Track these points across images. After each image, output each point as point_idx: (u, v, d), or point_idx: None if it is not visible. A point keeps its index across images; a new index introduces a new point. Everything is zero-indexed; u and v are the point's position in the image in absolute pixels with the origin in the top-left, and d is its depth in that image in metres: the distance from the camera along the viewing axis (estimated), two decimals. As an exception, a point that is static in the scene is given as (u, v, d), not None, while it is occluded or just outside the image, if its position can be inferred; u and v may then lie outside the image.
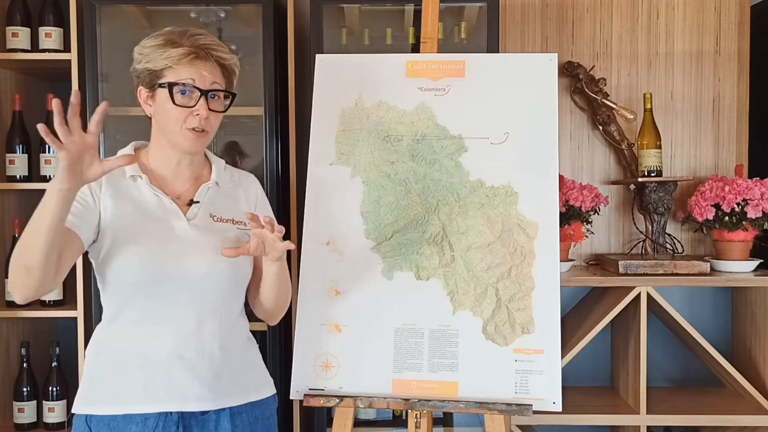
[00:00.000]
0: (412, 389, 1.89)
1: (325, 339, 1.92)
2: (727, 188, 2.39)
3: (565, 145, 2.75)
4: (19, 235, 2.55)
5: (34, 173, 2.57)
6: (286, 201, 2.54)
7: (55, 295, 2.52)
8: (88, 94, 2.39)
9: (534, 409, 1.84)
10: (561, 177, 2.40)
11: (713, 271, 2.43)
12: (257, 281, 1.67)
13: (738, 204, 2.36)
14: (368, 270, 1.94)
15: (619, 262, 2.38)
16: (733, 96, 2.72)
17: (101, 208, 1.52)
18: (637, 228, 2.72)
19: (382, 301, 1.93)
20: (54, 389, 2.54)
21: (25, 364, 2.55)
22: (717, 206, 2.40)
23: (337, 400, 1.87)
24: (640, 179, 2.53)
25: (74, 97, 1.26)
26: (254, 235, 1.51)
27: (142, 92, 1.56)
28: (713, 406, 2.45)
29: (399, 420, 2.65)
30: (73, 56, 2.43)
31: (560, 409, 1.86)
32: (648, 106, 2.56)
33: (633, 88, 2.73)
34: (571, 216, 2.44)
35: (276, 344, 2.40)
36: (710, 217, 2.40)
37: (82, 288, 2.45)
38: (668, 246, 2.59)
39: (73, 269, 2.46)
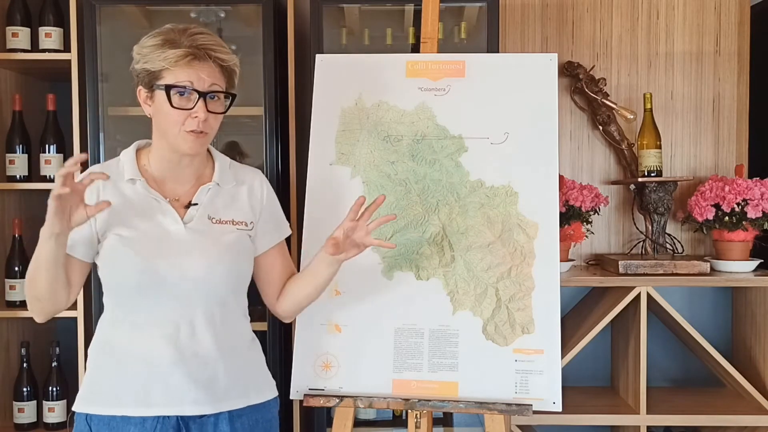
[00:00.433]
0: (412, 389, 1.89)
1: (325, 339, 1.92)
2: (727, 188, 2.39)
3: (565, 145, 2.75)
4: (19, 234, 2.57)
5: (34, 173, 2.57)
6: (286, 201, 2.53)
7: (55, 295, 2.52)
8: (88, 94, 2.39)
9: (534, 409, 1.84)
10: (561, 177, 2.40)
11: (713, 271, 2.43)
12: (275, 280, 1.69)
13: (738, 204, 2.36)
14: (368, 270, 1.94)
15: (619, 262, 2.38)
16: (733, 96, 2.72)
17: (98, 225, 1.53)
18: (637, 228, 2.72)
19: (382, 301, 1.94)
20: (54, 389, 2.54)
21: (25, 364, 2.55)
22: (717, 206, 2.40)
23: (337, 400, 1.87)
24: (640, 179, 2.53)
25: (78, 159, 1.33)
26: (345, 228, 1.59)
27: (142, 92, 1.55)
28: (713, 406, 2.44)
29: (399, 420, 2.65)
30: (73, 56, 2.43)
31: (560, 409, 1.86)
32: (648, 106, 2.56)
33: (633, 88, 2.73)
34: (571, 216, 2.44)
35: (276, 344, 2.40)
36: (710, 217, 2.40)
37: (82, 288, 2.44)
38: (668, 246, 2.59)
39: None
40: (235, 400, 1.56)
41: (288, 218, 2.52)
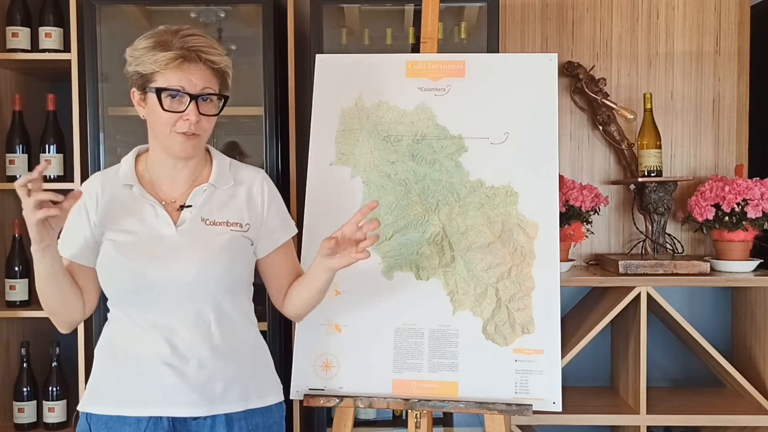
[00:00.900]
0: (412, 389, 1.89)
1: (325, 339, 1.92)
2: (727, 188, 2.39)
3: (565, 145, 2.75)
4: (19, 234, 2.57)
5: (34, 173, 2.57)
6: (286, 201, 2.53)
7: (55, 295, 2.52)
8: (88, 94, 2.39)
9: (534, 409, 1.84)
10: (561, 177, 2.40)
11: (713, 271, 2.43)
12: (281, 281, 1.69)
13: (738, 204, 2.36)
14: (368, 270, 1.94)
15: (619, 262, 2.38)
16: (733, 96, 2.72)
17: (96, 225, 1.55)
18: (637, 228, 2.72)
19: (382, 301, 1.94)
20: (54, 389, 2.54)
21: (25, 364, 2.55)
22: (717, 206, 2.40)
23: (337, 400, 1.87)
24: (640, 179, 2.53)
25: (41, 169, 1.41)
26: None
27: (135, 94, 1.55)
28: (713, 406, 2.44)
29: (399, 420, 2.65)
30: (73, 56, 2.43)
31: (560, 409, 1.86)
32: (648, 106, 2.56)
33: (633, 88, 2.73)
34: (571, 216, 2.44)
35: (276, 344, 2.40)
36: (710, 217, 2.40)
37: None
38: (668, 246, 2.59)
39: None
40: (232, 404, 1.55)
41: (288, 218, 2.53)
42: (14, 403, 2.54)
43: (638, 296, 2.32)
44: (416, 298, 1.93)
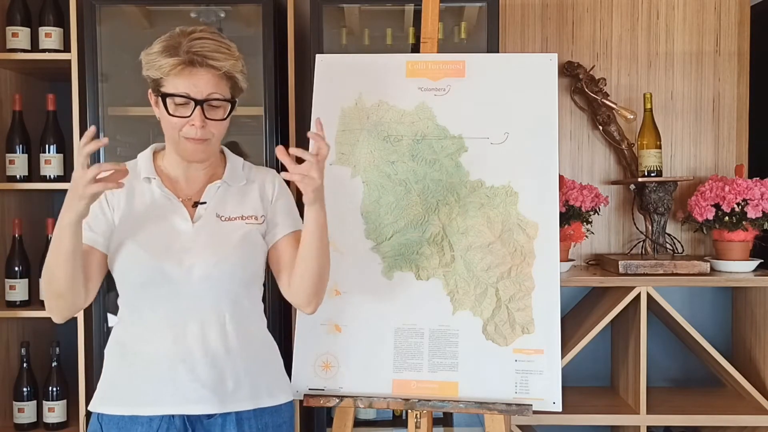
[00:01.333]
0: (412, 389, 1.89)
1: (325, 339, 1.92)
2: (727, 188, 2.39)
3: (565, 145, 2.75)
4: (20, 234, 2.57)
5: (34, 173, 2.57)
6: (286, 201, 2.53)
7: (55, 295, 2.52)
8: (88, 94, 2.39)
9: (534, 409, 1.84)
10: (561, 177, 2.40)
11: (713, 271, 2.43)
12: (288, 269, 1.62)
13: (738, 204, 2.36)
14: (368, 270, 1.94)
15: (619, 262, 2.38)
16: (733, 96, 2.72)
17: (114, 214, 1.57)
18: (637, 228, 2.72)
19: (382, 301, 1.94)
20: (54, 389, 2.54)
21: (25, 364, 2.55)
22: (717, 206, 2.40)
23: (337, 400, 1.87)
24: (640, 179, 2.53)
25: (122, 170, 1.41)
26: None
27: (151, 96, 1.56)
28: (713, 406, 2.44)
29: (399, 420, 2.65)
30: (73, 56, 2.43)
31: (560, 409, 1.86)
32: (648, 106, 2.56)
33: (633, 88, 2.73)
34: (571, 216, 2.44)
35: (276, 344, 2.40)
36: (710, 217, 2.40)
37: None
38: (668, 246, 2.59)
39: (73, 269, 2.46)
40: (243, 402, 1.56)
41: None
42: (14, 403, 2.54)
43: (638, 296, 2.32)
44: (416, 298, 1.93)
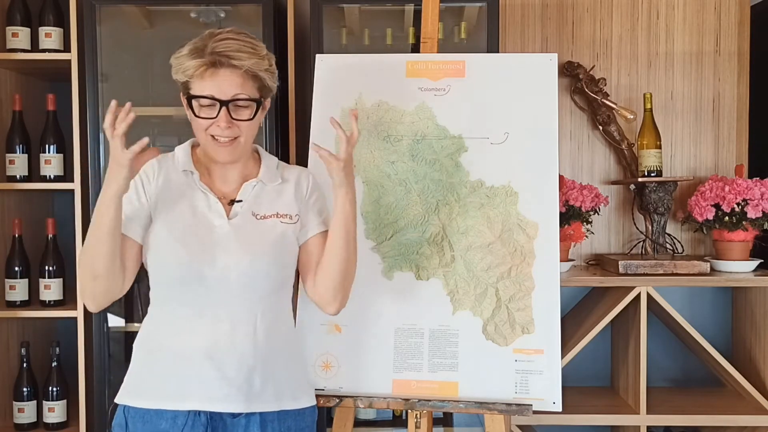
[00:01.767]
0: (412, 389, 1.89)
1: (325, 339, 1.92)
2: (727, 188, 2.39)
3: (565, 145, 2.75)
4: (19, 234, 2.56)
5: (34, 173, 2.57)
6: (286, 201, 2.53)
7: (55, 295, 2.52)
8: (88, 94, 2.39)
9: (534, 409, 1.84)
10: (561, 177, 2.40)
11: (713, 271, 2.43)
12: (313, 267, 1.65)
13: (738, 204, 2.36)
14: (368, 270, 1.94)
15: (619, 262, 2.38)
16: (733, 96, 2.72)
17: (150, 204, 1.57)
18: (637, 228, 2.72)
19: (382, 301, 1.93)
20: (54, 389, 2.54)
21: (25, 364, 2.55)
22: (717, 206, 2.40)
23: (337, 400, 1.87)
24: (640, 179, 2.53)
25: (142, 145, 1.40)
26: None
27: (183, 98, 1.58)
28: (713, 406, 2.44)
29: (399, 420, 2.65)
30: (73, 56, 2.43)
31: (560, 409, 1.86)
32: (648, 106, 2.56)
33: (633, 88, 2.73)
34: (571, 216, 2.44)
35: (276, 344, 2.40)
36: (710, 217, 2.40)
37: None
38: (668, 246, 2.59)
39: (73, 269, 2.46)
40: (268, 403, 1.56)
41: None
42: (14, 403, 2.54)
43: (638, 296, 2.32)
44: (416, 298, 1.93)
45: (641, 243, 2.67)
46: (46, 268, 2.52)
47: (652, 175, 2.52)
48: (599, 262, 2.68)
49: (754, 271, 2.43)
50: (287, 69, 2.46)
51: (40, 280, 2.53)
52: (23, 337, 2.63)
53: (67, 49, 2.48)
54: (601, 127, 2.68)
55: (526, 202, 1.95)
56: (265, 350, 1.57)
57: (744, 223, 2.37)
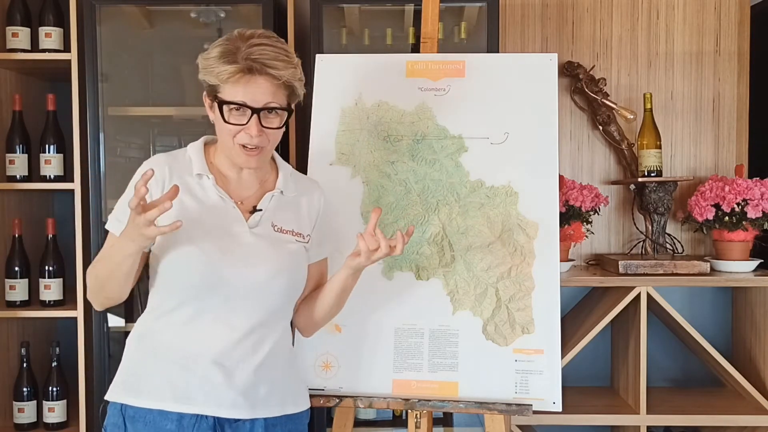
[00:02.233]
0: (412, 389, 1.89)
1: (325, 339, 1.92)
2: (727, 188, 2.39)
3: (565, 145, 2.75)
4: (19, 234, 2.56)
5: (34, 173, 2.57)
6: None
7: (55, 295, 2.52)
8: (88, 94, 2.39)
9: (534, 409, 1.84)
10: (561, 177, 2.40)
11: (713, 271, 2.43)
12: (305, 289, 1.67)
13: (738, 204, 2.36)
14: (368, 270, 1.93)
15: (619, 262, 2.38)
16: (733, 96, 2.72)
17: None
18: (637, 228, 2.72)
19: (382, 301, 1.93)
20: (54, 389, 2.54)
21: (25, 364, 2.55)
22: (717, 206, 2.40)
23: (337, 400, 1.87)
24: (640, 179, 2.53)
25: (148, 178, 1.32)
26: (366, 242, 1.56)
27: (207, 99, 1.54)
28: (713, 406, 2.44)
29: (399, 420, 2.65)
30: (73, 56, 2.43)
31: (560, 409, 1.86)
32: (648, 106, 2.56)
33: (633, 88, 2.73)
34: (571, 216, 2.44)
35: (276, 344, 2.40)
36: (710, 217, 2.40)
37: (81, 288, 2.44)
38: (668, 246, 2.59)
39: (73, 269, 2.46)
40: (272, 408, 1.56)
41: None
42: (14, 403, 2.54)
43: (638, 296, 2.32)
44: (416, 298, 1.93)
45: (641, 243, 2.67)
46: (46, 268, 2.52)
47: (652, 175, 2.52)
48: (599, 262, 2.68)
49: (754, 271, 2.43)
50: (287, 69, 2.46)
51: (40, 280, 2.53)
52: (23, 337, 2.63)
53: (67, 49, 2.48)
54: (601, 127, 2.68)
55: (526, 202, 1.95)
56: (273, 361, 1.56)
57: (744, 223, 2.37)
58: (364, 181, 2.00)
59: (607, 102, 2.61)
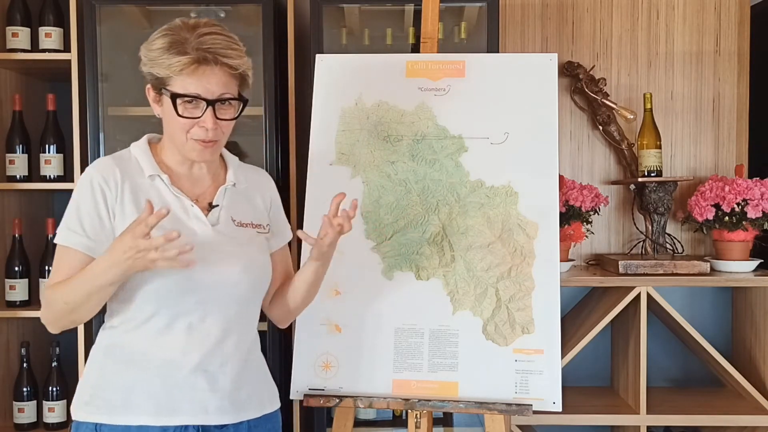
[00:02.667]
0: (412, 389, 1.89)
1: (325, 339, 1.92)
2: (727, 188, 2.39)
3: (565, 145, 2.75)
4: (20, 234, 2.56)
5: (34, 173, 2.57)
6: (286, 201, 2.53)
7: (55, 295, 2.52)
8: (88, 94, 2.39)
9: (534, 409, 1.84)
10: (561, 177, 2.40)
11: (713, 271, 2.43)
12: (274, 279, 1.64)
13: (738, 204, 2.36)
14: (368, 270, 1.94)
15: (619, 262, 2.38)
16: (733, 96, 2.72)
17: (116, 221, 1.44)
18: (637, 228, 2.72)
19: (382, 301, 1.94)
20: (54, 389, 2.54)
21: (25, 364, 2.55)
22: (717, 206, 2.40)
23: (337, 400, 1.87)
24: (640, 179, 2.53)
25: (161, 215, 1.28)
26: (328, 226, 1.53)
27: (150, 92, 1.47)
28: (713, 406, 2.44)
29: (399, 420, 2.65)
30: (73, 56, 2.43)
31: (560, 409, 1.86)
32: (648, 106, 2.56)
33: (633, 88, 2.73)
34: (571, 216, 2.44)
35: (276, 344, 2.40)
36: (710, 217, 2.40)
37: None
38: (668, 246, 2.59)
39: (73, 269, 2.45)
40: (253, 410, 1.54)
41: (288, 218, 2.52)
42: (14, 403, 2.54)
43: (638, 296, 2.32)
44: (416, 298, 1.93)
45: (641, 243, 2.67)
46: (46, 268, 2.52)
47: (652, 175, 2.52)
48: (599, 262, 2.68)
49: (754, 271, 2.43)
50: (287, 69, 2.46)
51: (40, 280, 2.53)
52: (23, 337, 2.63)
53: (67, 49, 2.48)
54: (601, 127, 2.68)
55: (526, 202, 1.95)
56: (250, 358, 1.54)
57: (744, 223, 2.37)
58: (364, 181, 2.00)
59: (607, 102, 2.61)
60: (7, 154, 2.54)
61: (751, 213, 2.34)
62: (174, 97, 1.40)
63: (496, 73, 2.03)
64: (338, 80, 2.06)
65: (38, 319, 2.60)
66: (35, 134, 2.58)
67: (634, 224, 2.73)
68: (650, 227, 2.58)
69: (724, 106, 2.72)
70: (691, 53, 2.72)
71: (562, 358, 2.19)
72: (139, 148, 1.53)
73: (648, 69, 2.73)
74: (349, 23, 2.58)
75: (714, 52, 2.72)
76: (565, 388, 2.01)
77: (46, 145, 2.53)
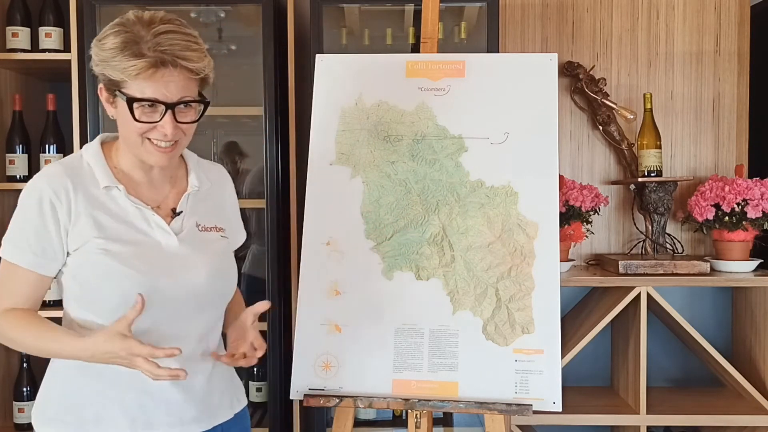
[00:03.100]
0: (412, 389, 1.89)
1: (325, 339, 1.92)
2: (727, 188, 2.39)
3: (565, 145, 2.75)
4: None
5: (34, 173, 2.55)
6: (286, 201, 2.53)
7: (55, 295, 2.52)
8: (88, 94, 2.39)
9: (534, 409, 1.84)
10: (561, 177, 2.40)
11: (713, 271, 2.43)
12: None
13: (738, 204, 2.36)
14: (368, 270, 1.94)
15: (619, 262, 2.38)
16: (733, 96, 2.72)
17: (69, 237, 1.37)
18: (637, 228, 2.72)
19: (382, 301, 1.93)
20: (54, 389, 2.53)
21: (25, 364, 2.55)
22: (717, 206, 2.40)
23: (337, 400, 1.87)
24: (640, 179, 2.53)
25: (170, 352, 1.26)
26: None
27: (103, 92, 1.36)
28: (713, 406, 2.44)
29: (399, 420, 2.65)
30: (73, 56, 2.43)
31: (560, 409, 1.85)
32: (648, 106, 2.56)
33: (633, 88, 2.73)
34: (571, 216, 2.44)
35: (276, 344, 2.40)
36: (710, 217, 2.40)
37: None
38: (668, 246, 2.59)
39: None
40: (225, 412, 1.52)
41: (288, 218, 2.53)
42: (14, 403, 2.54)
43: (638, 296, 2.32)
44: (416, 298, 1.93)
45: (641, 243, 2.67)
46: (46, 268, 2.52)
47: (652, 175, 2.52)
48: (599, 262, 2.68)
49: (754, 271, 2.43)
50: (287, 69, 2.47)
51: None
52: (23, 337, 2.63)
53: (67, 49, 2.49)
54: (601, 127, 2.68)
55: (526, 202, 1.95)
56: (218, 364, 1.50)
57: (744, 223, 2.37)
58: (364, 181, 1.99)
59: (607, 102, 2.61)
60: (7, 154, 2.54)
61: (751, 213, 2.34)
62: (130, 101, 1.30)
63: (496, 73, 2.03)
64: (338, 80, 2.06)
65: (38, 319, 2.62)
66: (35, 134, 2.58)
67: (634, 224, 2.73)
68: (650, 227, 2.58)
69: (724, 106, 2.72)
70: (691, 53, 2.72)
71: (562, 358, 2.19)
72: (91, 153, 1.43)
73: (648, 69, 2.73)
74: (349, 23, 2.58)
75: (714, 52, 2.72)
76: (565, 388, 2.01)
77: (46, 145, 2.53)
